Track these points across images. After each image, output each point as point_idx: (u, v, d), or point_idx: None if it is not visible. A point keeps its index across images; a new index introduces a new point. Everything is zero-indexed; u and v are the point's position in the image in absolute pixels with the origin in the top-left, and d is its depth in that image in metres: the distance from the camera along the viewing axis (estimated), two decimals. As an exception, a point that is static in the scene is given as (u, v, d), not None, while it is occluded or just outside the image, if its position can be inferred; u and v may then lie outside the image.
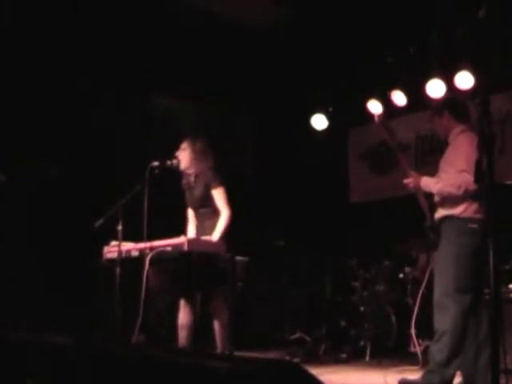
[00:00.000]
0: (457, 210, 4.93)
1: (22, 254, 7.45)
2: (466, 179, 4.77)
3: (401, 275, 8.17)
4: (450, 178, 4.96)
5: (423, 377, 4.93)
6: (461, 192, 4.83)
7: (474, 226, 4.87)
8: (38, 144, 7.82)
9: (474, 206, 4.89)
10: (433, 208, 5.16)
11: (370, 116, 9.44)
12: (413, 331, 6.53)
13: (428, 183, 5.09)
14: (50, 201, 7.70)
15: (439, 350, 4.83)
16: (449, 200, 4.97)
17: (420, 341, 7.33)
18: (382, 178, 10.08)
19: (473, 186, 4.73)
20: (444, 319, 4.84)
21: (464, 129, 5.17)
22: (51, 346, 3.24)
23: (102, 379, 2.87)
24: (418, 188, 5.14)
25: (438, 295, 4.95)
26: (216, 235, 5.79)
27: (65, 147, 8.04)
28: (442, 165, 5.20)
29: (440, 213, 5.07)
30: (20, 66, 7.67)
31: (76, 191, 7.91)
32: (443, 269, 4.95)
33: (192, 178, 6.08)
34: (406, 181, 5.15)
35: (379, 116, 5.14)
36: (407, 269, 8.09)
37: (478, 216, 4.89)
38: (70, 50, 7.99)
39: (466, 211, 4.91)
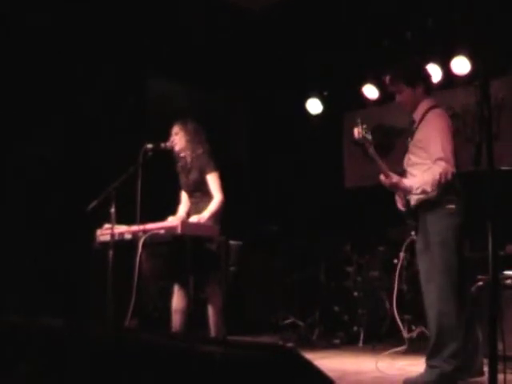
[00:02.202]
0: (431, 194, 4.77)
1: (14, 237, 7.41)
2: (445, 170, 4.64)
3: (395, 261, 8.15)
4: (426, 173, 4.78)
5: (425, 371, 4.86)
6: (442, 184, 4.66)
7: (451, 206, 4.77)
8: (31, 128, 7.77)
9: (447, 187, 4.73)
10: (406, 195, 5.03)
11: (366, 100, 9.44)
12: (395, 313, 6.49)
13: (407, 188, 4.85)
14: (42, 184, 7.66)
15: (433, 341, 4.78)
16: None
17: (413, 326, 7.34)
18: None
19: (451, 174, 4.64)
20: (432, 309, 4.79)
21: (432, 104, 4.99)
22: (43, 329, 3.21)
23: (94, 363, 2.84)
24: (394, 189, 5.00)
25: (425, 284, 4.85)
26: (206, 214, 5.75)
27: (58, 131, 8.00)
28: (411, 147, 5.01)
29: (414, 198, 4.93)
30: (16, 51, 7.61)
31: (69, 174, 7.87)
32: (428, 256, 4.83)
33: (188, 160, 6.04)
34: (382, 178, 4.92)
35: (359, 132, 4.91)
36: (401, 254, 8.07)
37: (453, 196, 4.78)
38: (66, 35, 7.93)
39: (440, 193, 4.74)
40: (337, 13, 8.65)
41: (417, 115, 5.02)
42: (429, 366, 4.83)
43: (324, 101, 10.05)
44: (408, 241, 6.59)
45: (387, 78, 5.18)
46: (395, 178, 4.87)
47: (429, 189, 4.73)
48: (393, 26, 8.53)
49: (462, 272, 4.80)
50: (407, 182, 4.89)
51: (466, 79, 8.13)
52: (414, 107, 5.03)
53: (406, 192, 4.93)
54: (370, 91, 9.50)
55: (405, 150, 5.15)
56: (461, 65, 8.21)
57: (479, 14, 7.78)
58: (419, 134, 4.94)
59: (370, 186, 9.94)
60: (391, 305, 7.62)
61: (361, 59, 9.01)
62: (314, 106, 10.09)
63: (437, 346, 4.75)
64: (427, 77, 5.17)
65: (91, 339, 2.97)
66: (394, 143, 9.26)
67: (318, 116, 10.14)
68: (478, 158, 3.26)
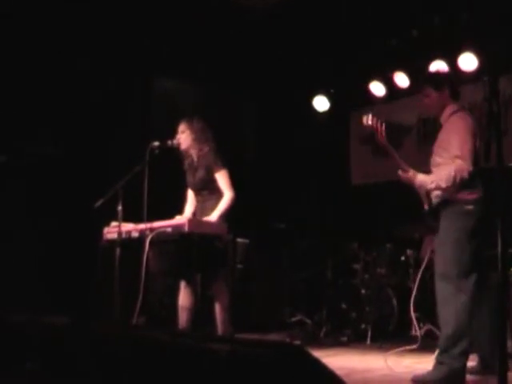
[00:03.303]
0: (452, 194, 4.83)
1: (21, 234, 7.42)
2: (460, 167, 4.70)
3: (402, 258, 8.13)
4: (443, 170, 4.85)
5: (433, 368, 4.86)
6: (457, 182, 4.73)
7: (470, 207, 4.80)
8: (38, 125, 7.77)
9: (468, 187, 4.80)
10: (429, 194, 5.07)
11: (373, 98, 9.42)
12: (412, 314, 6.49)
13: (423, 183, 4.93)
14: (49, 181, 7.66)
15: (445, 338, 4.78)
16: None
17: (421, 324, 7.32)
18: (383, 161, 10.01)
19: (468, 173, 4.69)
20: (447, 307, 4.78)
21: (457, 108, 5.05)
22: (50, 328, 3.21)
23: (102, 361, 2.84)
24: (410, 184, 5.03)
25: (439, 281, 4.88)
26: (216, 214, 5.74)
27: (65, 128, 8.00)
28: (436, 148, 5.09)
29: (437, 197, 4.98)
30: (21, 47, 7.60)
31: (76, 172, 7.87)
32: (443, 254, 4.88)
33: (195, 159, 6.03)
34: (400, 172, 4.99)
35: (369, 120, 4.97)
36: (409, 251, 8.06)
37: (473, 197, 4.82)
38: (71, 31, 7.92)
39: (460, 193, 4.80)
40: (344, 11, 8.61)
41: (443, 119, 5.09)
42: (438, 363, 4.82)
43: (331, 98, 10.03)
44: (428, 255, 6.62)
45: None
46: (411, 172, 4.96)
47: (443, 184, 4.79)
48: (399, 23, 8.50)
49: (478, 271, 4.82)
50: (422, 176, 4.95)
51: (474, 76, 8.10)
52: (440, 111, 5.10)
53: (422, 186, 4.98)
54: (377, 88, 9.48)
55: (412, 148, 5.17)
56: (468, 61, 8.19)
57: (486, 10, 7.75)
58: (442, 135, 5.03)
59: (377, 184, 9.98)
60: (399, 304, 7.63)
61: (367, 56, 8.99)
62: (321, 103, 10.08)
63: (449, 344, 4.74)
64: (453, 82, 5.22)
65: (98, 337, 2.97)
66: (401, 141, 9.24)
67: (325, 113, 10.13)
68: (488, 154, 3.26)
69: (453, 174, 4.72)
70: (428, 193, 5.04)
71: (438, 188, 4.88)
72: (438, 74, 5.33)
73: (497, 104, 3.18)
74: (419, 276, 6.48)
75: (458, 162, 4.73)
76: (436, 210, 5.00)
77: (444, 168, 4.87)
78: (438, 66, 8.26)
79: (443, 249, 4.88)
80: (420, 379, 4.83)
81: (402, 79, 9.12)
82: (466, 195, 4.80)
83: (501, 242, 2.96)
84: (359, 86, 9.52)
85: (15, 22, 7.55)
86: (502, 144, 3.07)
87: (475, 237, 4.78)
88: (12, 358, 3.23)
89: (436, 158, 5.06)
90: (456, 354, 4.71)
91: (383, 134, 4.96)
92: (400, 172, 4.99)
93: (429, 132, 9.43)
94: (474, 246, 4.80)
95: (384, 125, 4.98)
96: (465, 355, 4.72)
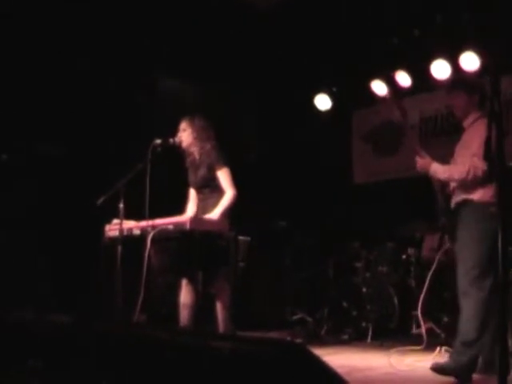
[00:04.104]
0: (475, 195, 4.90)
1: (23, 232, 7.43)
2: (476, 164, 4.77)
3: (403, 256, 8.14)
4: (460, 164, 4.95)
5: (451, 358, 4.94)
6: (469, 177, 4.82)
7: (494, 208, 4.83)
8: (40, 123, 7.77)
9: (492, 190, 4.85)
10: (444, 190, 5.13)
11: (375, 96, 9.41)
12: (419, 312, 6.50)
13: (437, 170, 5.05)
14: (51, 179, 7.67)
15: (466, 331, 4.82)
16: (467, 184, 4.94)
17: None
18: (385, 160, 10.05)
19: (482, 171, 4.74)
20: (469, 304, 4.84)
21: (481, 115, 5.10)
22: (51, 325, 3.22)
23: (103, 359, 2.85)
24: (425, 171, 5.10)
25: (462, 282, 4.93)
26: (217, 211, 5.74)
27: (67, 126, 7.99)
28: (458, 149, 5.18)
29: (458, 197, 5.03)
30: (21, 47, 7.60)
31: (78, 169, 7.88)
32: (465, 255, 4.93)
33: (197, 157, 6.03)
34: (417, 159, 5.11)
35: (390, 93, 5.08)
36: (410, 250, 8.07)
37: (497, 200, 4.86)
38: (71, 31, 7.91)
39: (484, 195, 4.86)
40: (345, 10, 8.60)
41: (466, 123, 5.17)
42: (457, 353, 4.89)
43: (333, 97, 10.03)
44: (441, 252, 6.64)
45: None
46: (428, 158, 5.10)
47: (456, 176, 4.95)
48: (401, 22, 8.49)
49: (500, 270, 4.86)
50: (437, 165, 5.07)
51: (476, 75, 8.09)
52: (466, 115, 5.18)
53: (435, 175, 5.08)
54: (379, 87, 9.47)
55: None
56: (470, 61, 8.18)
57: (488, 9, 7.75)
58: (466, 136, 5.13)
59: (379, 182, 9.99)
60: (400, 302, 7.64)
61: (369, 55, 8.99)
62: (323, 102, 10.08)
63: (469, 337, 4.81)
64: (484, 92, 5.28)
65: (100, 335, 2.98)
66: (402, 140, 9.24)
67: (327, 112, 10.13)
68: (488, 153, 3.28)
69: (467, 168, 4.84)
70: (443, 188, 5.11)
71: (449, 178, 5.01)
72: (472, 80, 5.44)
73: (498, 103, 3.20)
74: (428, 278, 6.47)
75: (475, 159, 4.78)
76: (454, 210, 5.05)
77: (461, 162, 4.98)
78: (440, 65, 8.28)
79: (465, 250, 4.94)
80: (439, 368, 4.90)
81: (403, 78, 9.11)
82: (490, 198, 4.84)
83: (501, 241, 2.97)
84: (361, 84, 9.51)
85: (15, 21, 7.54)
86: (503, 144, 3.07)
87: (497, 239, 4.81)
88: (14, 356, 3.24)
89: (456, 158, 5.15)
90: (475, 346, 4.79)
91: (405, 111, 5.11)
92: (417, 157, 5.11)
93: (430, 131, 9.44)
94: (495, 248, 4.83)
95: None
96: (480, 349, 4.81)
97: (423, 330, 6.54)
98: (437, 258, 6.56)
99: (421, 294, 6.33)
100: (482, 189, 4.87)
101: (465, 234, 4.97)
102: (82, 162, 7.96)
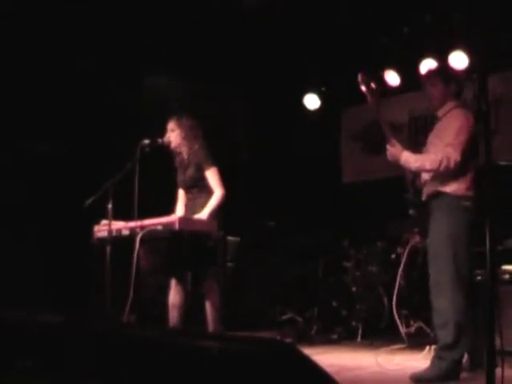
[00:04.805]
0: (448, 187, 4.85)
1: (11, 234, 7.40)
2: (449, 154, 4.73)
3: (393, 256, 8.14)
4: (432, 154, 4.90)
5: (431, 364, 4.86)
6: (442, 168, 4.76)
7: (467, 203, 4.81)
8: (28, 125, 7.74)
9: (466, 183, 4.83)
10: (415, 183, 5.10)
11: (363, 94, 9.41)
12: (394, 310, 6.50)
13: (408, 159, 4.94)
14: (39, 179, 7.64)
15: (445, 335, 4.77)
16: (440, 176, 4.88)
17: (411, 322, 7.34)
18: (374, 159, 10.05)
19: (454, 162, 4.71)
20: (443, 305, 4.79)
21: (457, 105, 5.11)
22: (40, 325, 3.20)
23: (92, 359, 2.84)
24: (395, 160, 5.01)
25: (435, 279, 4.87)
26: (206, 211, 5.75)
27: (54, 126, 7.96)
28: (431, 137, 5.14)
29: (430, 189, 4.98)
30: (21, 47, 7.57)
31: (65, 170, 7.85)
32: (438, 252, 4.85)
33: (185, 157, 6.02)
34: (388, 146, 5.01)
35: (362, 75, 5.06)
36: (399, 249, 8.07)
37: (470, 193, 4.84)
38: (71, 31, 7.88)
39: (458, 188, 4.82)
40: (335, 8, 8.60)
41: (441, 112, 5.14)
42: (437, 358, 4.84)
43: (322, 96, 10.03)
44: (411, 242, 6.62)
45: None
46: (398, 146, 4.99)
47: (428, 166, 4.87)
48: (390, 21, 8.50)
49: (472, 266, 4.86)
50: (408, 154, 4.98)
51: (464, 74, 8.11)
52: (442, 104, 5.15)
53: (406, 164, 4.99)
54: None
55: (403, 146, 5.17)
56: (458, 59, 8.20)
57: (477, 8, 7.76)
58: (440, 125, 5.10)
59: (368, 182, 10.00)
60: (390, 301, 7.65)
61: (358, 54, 8.99)
62: (312, 101, 10.08)
63: (448, 340, 4.76)
64: (461, 82, 5.31)
65: (89, 335, 2.96)
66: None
67: (315, 111, 10.12)
68: (476, 150, 3.28)
69: (439, 158, 4.77)
70: (414, 181, 5.08)
71: (420, 168, 4.94)
72: (449, 69, 5.45)
73: (485, 102, 3.20)
74: (399, 274, 6.48)
75: (449, 149, 4.76)
76: (425, 202, 5.01)
77: (433, 152, 4.92)
78: (429, 64, 8.28)
79: (438, 247, 4.86)
80: (418, 377, 4.84)
81: (392, 77, 9.12)
82: (464, 191, 4.82)
83: (489, 239, 2.97)
84: (350, 83, 9.50)
85: (15, 21, 7.51)
86: (490, 141, 3.07)
87: (471, 235, 4.79)
88: (3, 356, 3.22)
89: (429, 146, 5.09)
90: (456, 349, 4.74)
91: (376, 95, 5.08)
92: (388, 145, 5.02)
93: (420, 130, 9.45)
94: (469, 243, 4.81)
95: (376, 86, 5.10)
96: (463, 350, 4.77)
97: (400, 325, 6.57)
98: (405, 254, 6.55)
99: (394, 292, 6.33)
100: (456, 181, 4.82)
101: (437, 229, 4.89)
102: (69, 162, 7.94)
